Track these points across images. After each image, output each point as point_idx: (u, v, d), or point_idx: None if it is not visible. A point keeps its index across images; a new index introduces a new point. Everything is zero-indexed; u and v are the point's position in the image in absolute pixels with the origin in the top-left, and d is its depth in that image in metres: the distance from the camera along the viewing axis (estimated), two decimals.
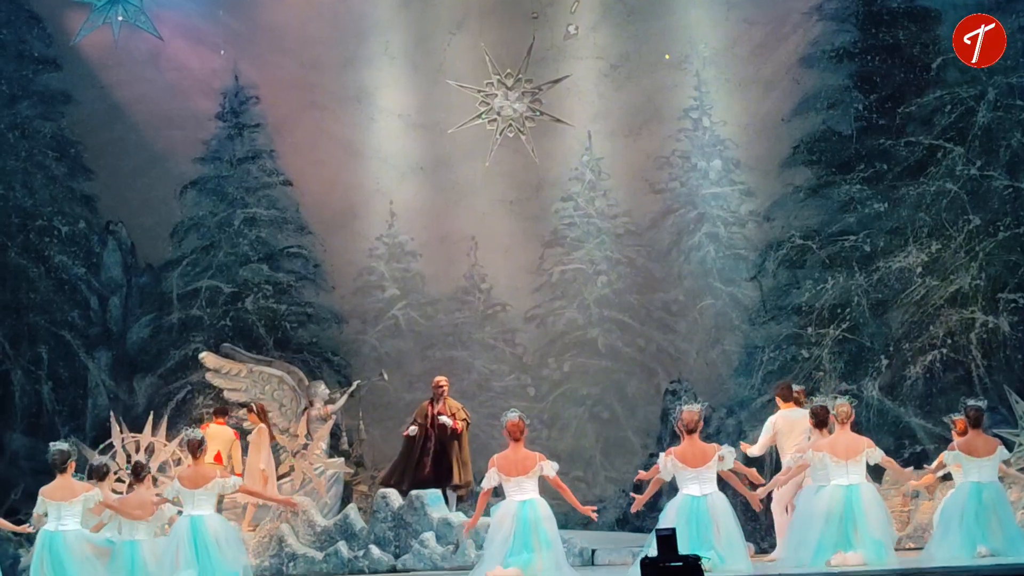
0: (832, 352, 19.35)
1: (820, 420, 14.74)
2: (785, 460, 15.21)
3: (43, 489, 14.40)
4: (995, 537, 14.20)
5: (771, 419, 15.93)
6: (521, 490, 14.24)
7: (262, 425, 18.01)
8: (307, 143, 20.44)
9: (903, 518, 16.92)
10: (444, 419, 18.05)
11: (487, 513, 14.74)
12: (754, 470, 15.00)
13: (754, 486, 14.69)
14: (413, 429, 18.06)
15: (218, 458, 17.75)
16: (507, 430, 14.39)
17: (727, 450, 14.28)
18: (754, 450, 15.91)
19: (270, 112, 20.53)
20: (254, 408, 18.25)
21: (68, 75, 20.31)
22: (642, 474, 14.62)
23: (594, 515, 14.51)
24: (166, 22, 20.42)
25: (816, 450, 14.28)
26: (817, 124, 19.83)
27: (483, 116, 20.47)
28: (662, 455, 14.27)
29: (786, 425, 15.75)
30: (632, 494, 15.00)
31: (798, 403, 15.93)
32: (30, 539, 15.19)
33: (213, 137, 20.48)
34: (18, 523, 16.79)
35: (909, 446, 18.18)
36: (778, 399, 16.08)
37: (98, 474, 14.90)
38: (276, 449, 18.58)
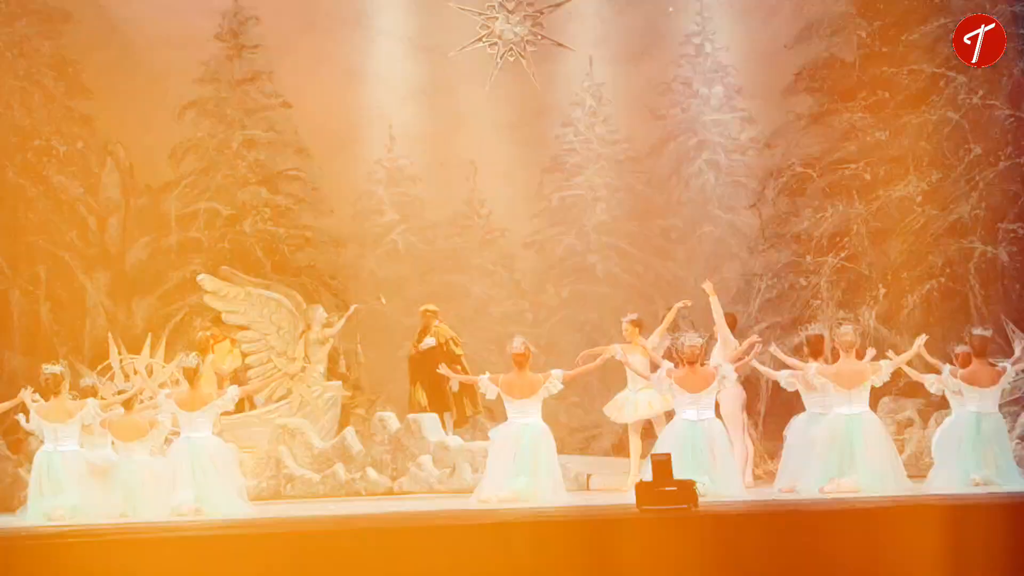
0: (830, 280, 19.36)
1: (815, 348, 14.74)
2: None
3: (36, 406, 14.35)
4: (989, 466, 14.21)
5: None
6: (524, 412, 14.34)
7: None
8: (306, 65, 20.28)
9: (897, 446, 16.97)
10: (428, 340, 18.14)
11: (486, 438, 14.82)
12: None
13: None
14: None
15: None
16: (512, 359, 14.50)
17: (726, 368, 14.26)
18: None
19: (269, 33, 20.34)
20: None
21: None
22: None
23: (610, 350, 14.68)
24: None
25: (820, 374, 14.26)
26: (820, 51, 19.73)
27: (484, 40, 20.31)
28: (666, 367, 14.11)
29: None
30: None
31: None
32: (29, 458, 15.20)
33: (212, 58, 20.31)
34: (18, 442, 16.90)
35: (904, 376, 18.18)
36: None
37: (86, 396, 14.89)
38: (273, 371, 18.76)
